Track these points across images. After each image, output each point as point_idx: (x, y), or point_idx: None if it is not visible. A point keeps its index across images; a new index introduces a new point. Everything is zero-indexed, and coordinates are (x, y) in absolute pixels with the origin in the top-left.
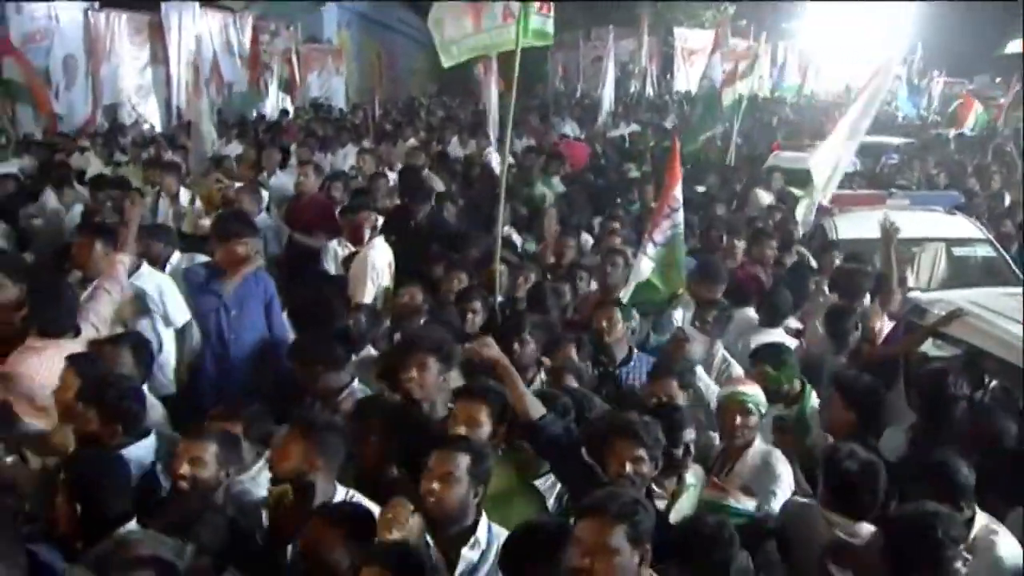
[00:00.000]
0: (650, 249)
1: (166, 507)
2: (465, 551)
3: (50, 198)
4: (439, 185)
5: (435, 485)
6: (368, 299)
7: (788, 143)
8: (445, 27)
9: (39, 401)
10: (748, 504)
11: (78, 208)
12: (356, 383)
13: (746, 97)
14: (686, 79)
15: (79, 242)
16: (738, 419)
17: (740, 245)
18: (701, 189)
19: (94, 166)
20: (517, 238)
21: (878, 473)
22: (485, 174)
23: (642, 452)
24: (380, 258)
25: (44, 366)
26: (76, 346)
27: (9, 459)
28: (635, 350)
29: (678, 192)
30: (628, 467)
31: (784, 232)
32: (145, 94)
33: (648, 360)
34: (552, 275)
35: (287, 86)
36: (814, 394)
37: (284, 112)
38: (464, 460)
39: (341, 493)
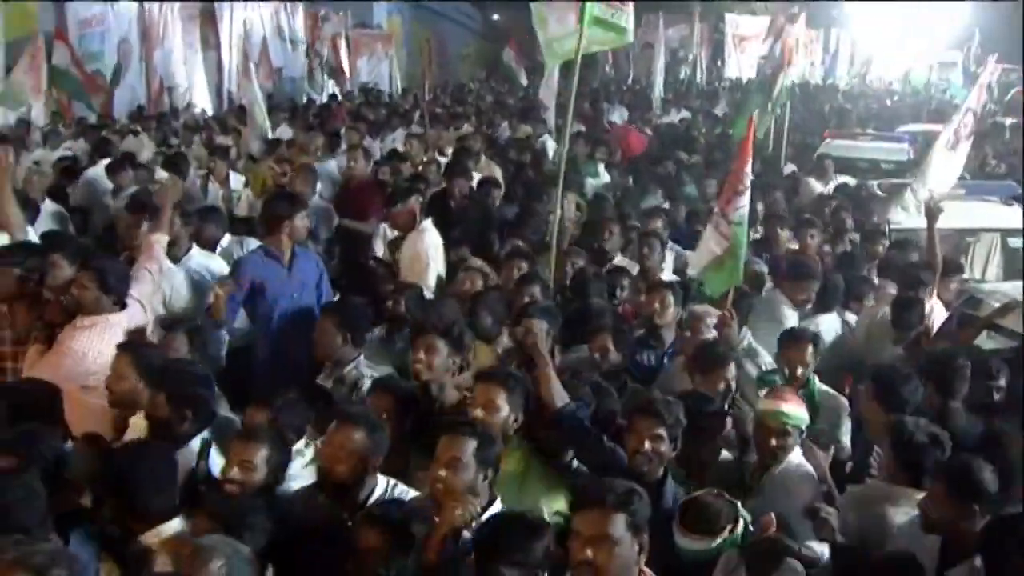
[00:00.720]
0: (723, 226)
1: (213, 500)
2: (467, 534)
3: (100, 178)
4: (496, 171)
5: (442, 472)
6: (432, 282)
7: (840, 131)
8: (549, 25)
9: (92, 380)
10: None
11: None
12: (362, 359)
13: (797, 84)
14: (737, 66)
15: (127, 222)
16: (774, 440)
17: (784, 234)
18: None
19: (147, 150)
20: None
21: (946, 444)
22: (536, 160)
23: (661, 431)
24: (434, 241)
25: (95, 341)
26: (123, 318)
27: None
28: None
29: (749, 170)
30: (647, 445)
31: (836, 221)
32: (197, 79)
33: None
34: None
35: (333, 71)
36: (817, 379)
37: (333, 96)
38: (470, 445)
39: (382, 484)
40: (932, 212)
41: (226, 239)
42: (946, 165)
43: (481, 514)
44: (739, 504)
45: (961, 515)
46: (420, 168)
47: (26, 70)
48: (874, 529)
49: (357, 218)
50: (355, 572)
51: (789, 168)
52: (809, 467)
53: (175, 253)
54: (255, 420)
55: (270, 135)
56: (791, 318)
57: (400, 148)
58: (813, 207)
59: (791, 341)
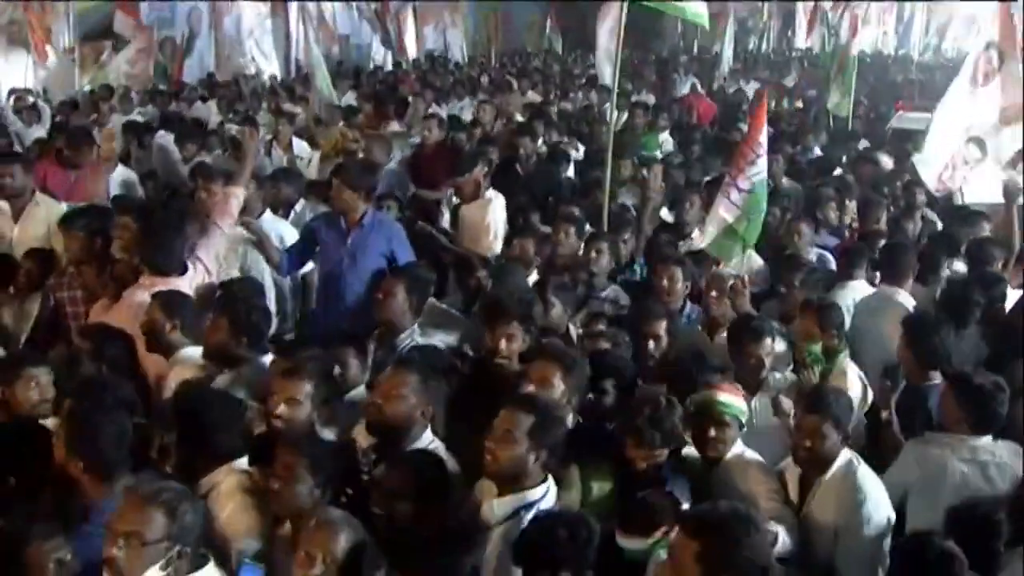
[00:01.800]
0: (733, 194)
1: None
2: (496, 502)
3: (171, 143)
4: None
5: (491, 443)
6: (497, 250)
7: (912, 103)
8: None
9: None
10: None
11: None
12: (417, 328)
13: (869, 54)
14: (808, 36)
15: (203, 188)
16: (712, 431)
17: (851, 206)
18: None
19: (216, 116)
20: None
21: (1007, 390)
22: (595, 129)
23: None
24: (500, 211)
25: (140, 300)
26: (184, 282)
27: None
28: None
29: (763, 138)
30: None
31: (908, 196)
32: (265, 46)
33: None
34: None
35: (390, 42)
36: (847, 356)
37: (398, 64)
38: (527, 420)
39: (428, 437)
40: (1010, 192)
41: (300, 204)
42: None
43: (531, 504)
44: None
45: None
46: (493, 134)
47: (132, 60)
48: (936, 478)
49: (429, 186)
50: (379, 517)
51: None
52: (756, 457)
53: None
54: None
55: (336, 101)
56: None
57: (467, 116)
58: (884, 182)
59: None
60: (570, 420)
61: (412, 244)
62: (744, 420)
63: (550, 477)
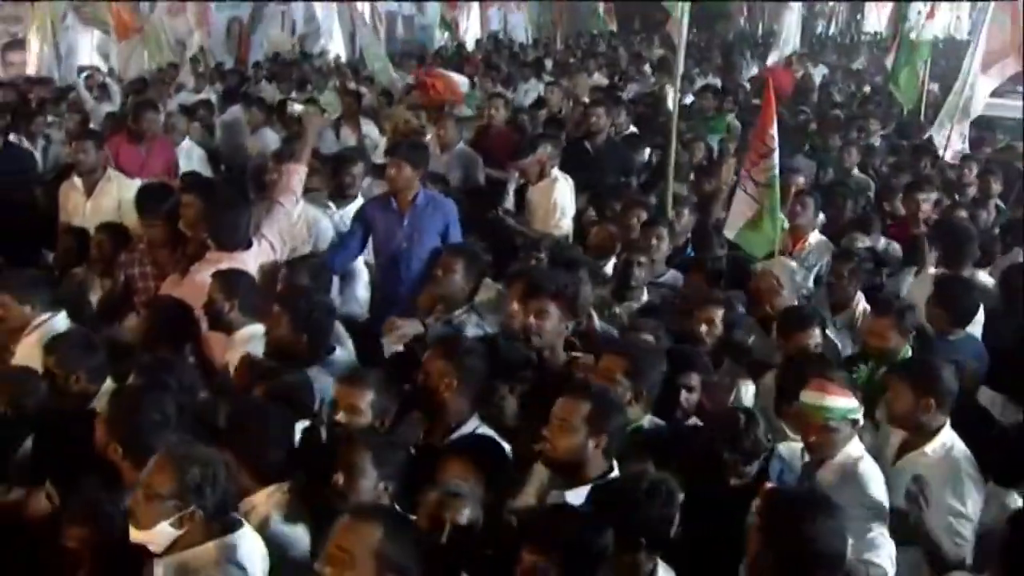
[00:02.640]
0: (749, 187)
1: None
2: (568, 493)
3: (237, 121)
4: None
5: (549, 433)
6: (565, 230)
7: None
8: None
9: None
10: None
11: (269, 134)
12: (473, 310)
13: (941, 39)
14: (877, 19)
15: (274, 169)
16: (813, 437)
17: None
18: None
19: (282, 95)
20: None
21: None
22: (657, 111)
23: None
24: (566, 191)
25: (204, 276)
26: (249, 258)
27: None
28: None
29: (774, 131)
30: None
31: (984, 185)
32: (331, 26)
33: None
34: None
35: (448, 25)
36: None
37: (460, 46)
38: (584, 408)
39: (473, 424)
40: None
41: (366, 182)
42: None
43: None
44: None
45: None
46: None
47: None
48: None
49: (495, 167)
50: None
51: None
52: (872, 466)
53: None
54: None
55: (397, 83)
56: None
57: (531, 99)
58: (956, 170)
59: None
60: (646, 420)
61: (474, 225)
62: (858, 417)
63: (615, 463)
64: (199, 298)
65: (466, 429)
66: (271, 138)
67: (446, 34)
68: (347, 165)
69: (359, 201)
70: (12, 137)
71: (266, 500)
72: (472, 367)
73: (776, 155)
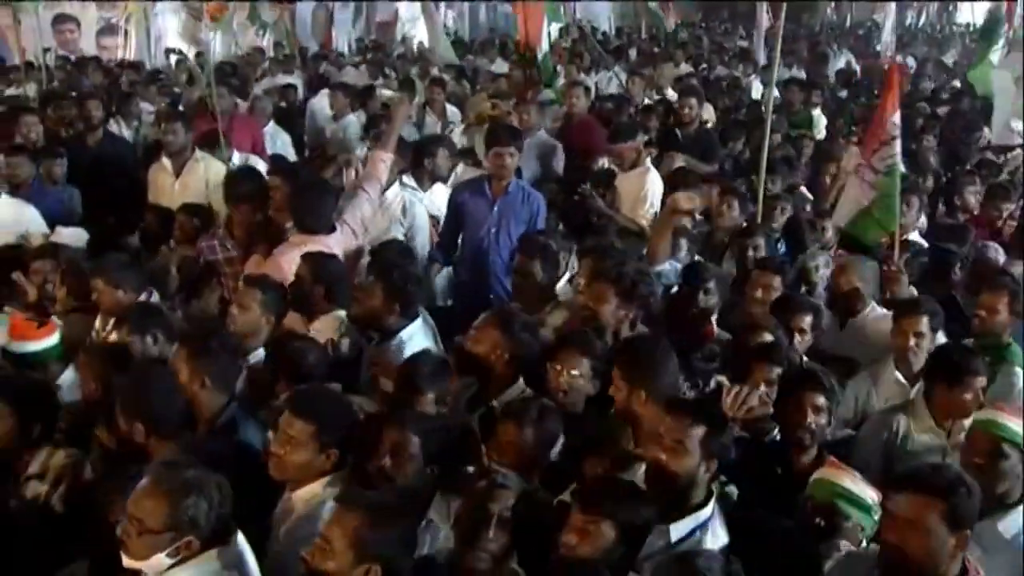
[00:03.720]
0: (868, 175)
1: None
2: (673, 528)
3: (324, 107)
4: (711, 113)
5: (661, 454)
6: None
7: None
8: None
9: None
10: (869, 493)
11: (350, 118)
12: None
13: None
14: (971, 11)
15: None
16: (978, 459)
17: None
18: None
19: (366, 81)
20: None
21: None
22: (740, 103)
23: (822, 401)
24: (659, 182)
25: (297, 260)
26: (332, 242)
27: None
28: None
29: (896, 119)
30: (809, 416)
31: None
32: (415, 11)
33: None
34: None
35: None
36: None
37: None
38: (698, 430)
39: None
40: None
41: (460, 167)
42: None
43: (705, 523)
44: None
45: None
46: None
47: None
48: None
49: (576, 156)
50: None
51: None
52: None
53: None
54: None
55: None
56: None
57: (613, 87)
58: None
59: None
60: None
61: (564, 213)
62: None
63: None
64: (281, 279)
65: (513, 392)
66: (354, 124)
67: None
68: (431, 150)
69: (441, 186)
70: (111, 123)
71: (324, 488)
72: (525, 341)
73: (898, 144)
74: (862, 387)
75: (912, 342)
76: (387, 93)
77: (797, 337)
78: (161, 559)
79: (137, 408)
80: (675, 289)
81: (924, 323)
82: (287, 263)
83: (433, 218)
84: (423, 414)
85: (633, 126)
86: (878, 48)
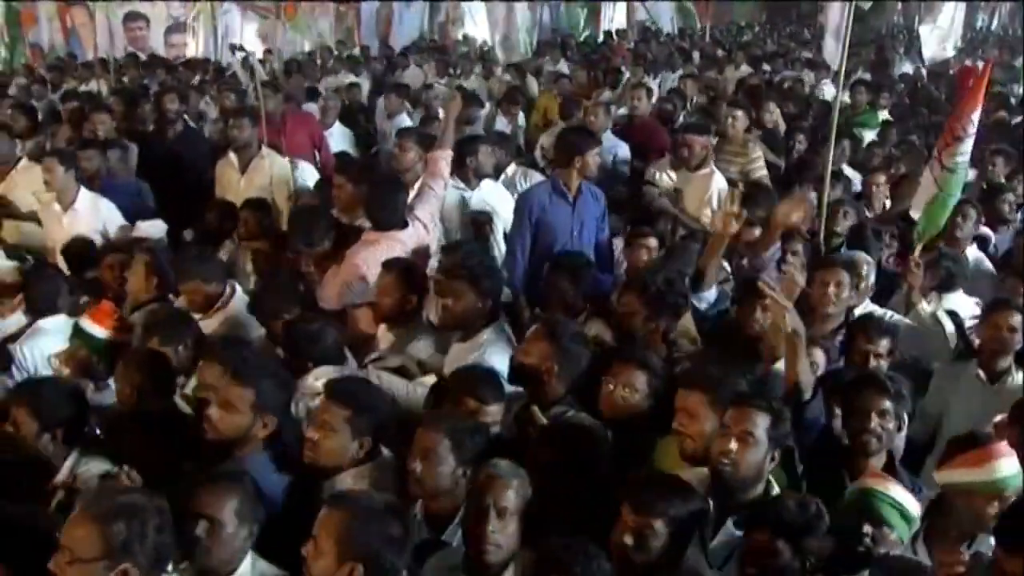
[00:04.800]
0: (936, 169)
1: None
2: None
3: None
4: (778, 117)
5: (729, 445)
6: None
7: None
8: None
9: (367, 293)
10: (914, 504)
11: (402, 118)
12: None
13: None
14: None
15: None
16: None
17: None
18: None
19: (429, 80)
20: (852, 173)
21: None
22: (809, 106)
23: (888, 405)
24: (722, 186)
25: (373, 258)
26: (406, 237)
27: None
28: None
29: (975, 118)
30: (873, 421)
31: None
32: (475, 12)
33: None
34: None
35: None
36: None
37: (609, 33)
38: (765, 419)
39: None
40: None
41: (511, 168)
42: None
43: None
44: None
45: None
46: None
47: None
48: None
49: (638, 157)
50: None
51: None
52: None
53: None
54: None
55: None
56: None
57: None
58: None
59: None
60: None
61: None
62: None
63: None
64: (351, 276)
65: (558, 409)
66: (406, 124)
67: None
68: (472, 149)
69: (487, 184)
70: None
71: (355, 480)
72: (574, 352)
73: (970, 143)
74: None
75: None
76: (441, 90)
77: (872, 362)
78: None
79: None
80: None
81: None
82: (363, 261)
83: (484, 213)
84: (458, 417)
85: (706, 122)
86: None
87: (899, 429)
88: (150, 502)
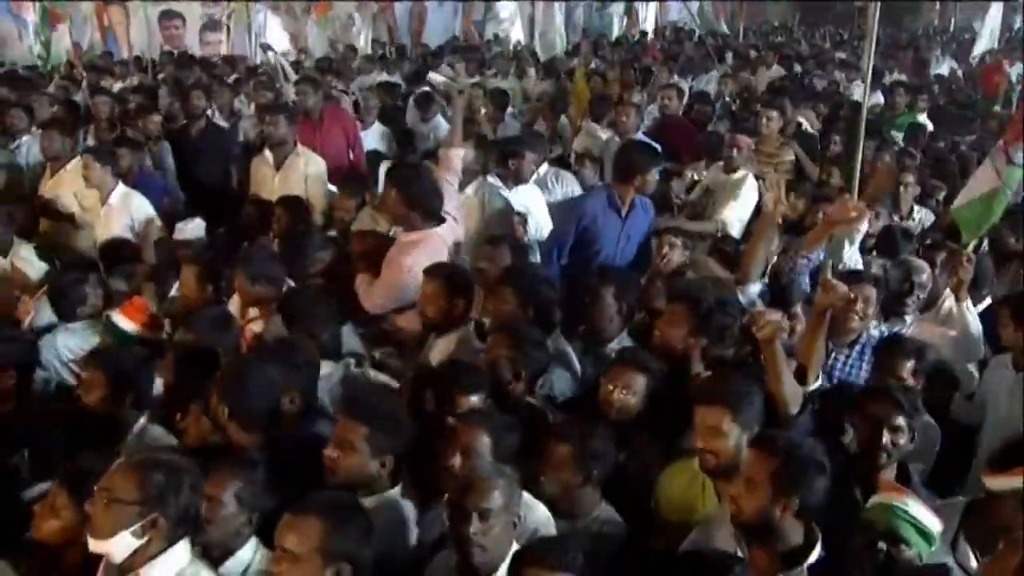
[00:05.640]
0: (1000, 161)
1: None
2: None
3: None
4: (811, 119)
5: (734, 490)
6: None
7: None
8: None
9: (411, 292)
10: (934, 521)
11: (439, 120)
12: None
13: None
14: None
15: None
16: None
17: None
18: None
19: (461, 79)
20: None
21: None
22: (839, 108)
23: (901, 420)
24: (756, 196)
25: (422, 256)
26: (444, 232)
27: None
28: None
29: None
30: (885, 436)
31: None
32: (511, 12)
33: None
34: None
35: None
36: None
37: (644, 33)
38: (772, 464)
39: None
40: None
41: (544, 168)
42: None
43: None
44: None
45: None
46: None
47: None
48: None
49: (669, 158)
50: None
51: None
52: None
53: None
54: None
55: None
56: None
57: (711, 89)
58: None
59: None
60: None
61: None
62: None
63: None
64: (397, 278)
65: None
66: (443, 126)
67: (624, 21)
68: (519, 151)
69: (528, 186)
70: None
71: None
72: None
73: None
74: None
75: None
76: (438, 79)
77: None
78: (127, 538)
79: (229, 392)
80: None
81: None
82: (413, 262)
83: (519, 214)
84: (497, 415)
85: (753, 125)
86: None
87: (911, 441)
88: (189, 465)
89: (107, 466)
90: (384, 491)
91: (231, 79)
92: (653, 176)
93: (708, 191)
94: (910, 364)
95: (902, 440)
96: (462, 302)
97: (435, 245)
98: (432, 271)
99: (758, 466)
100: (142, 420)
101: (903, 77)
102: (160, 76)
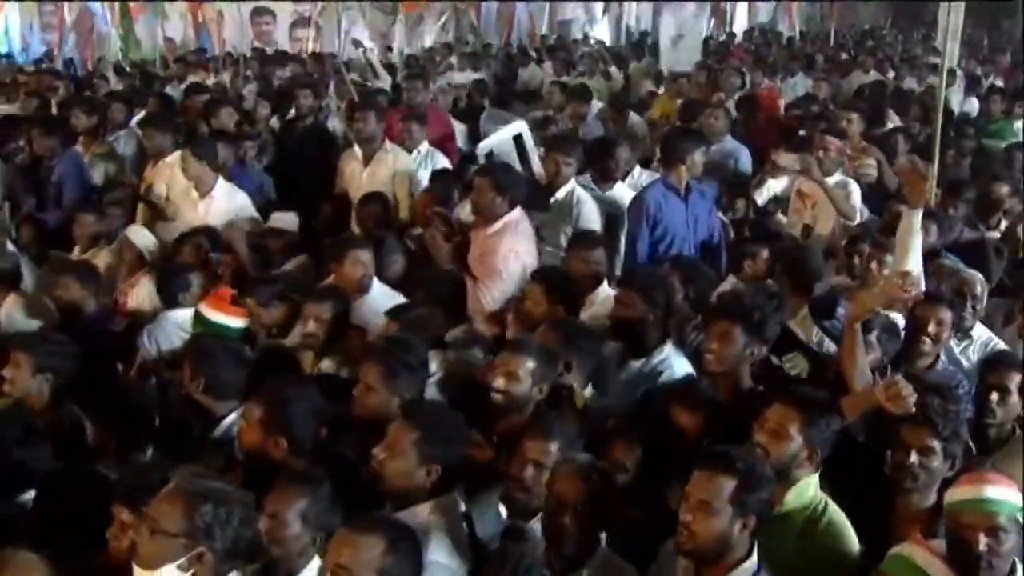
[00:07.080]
0: None
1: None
2: None
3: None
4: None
5: (687, 515)
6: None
7: None
8: None
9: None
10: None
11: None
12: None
13: None
14: None
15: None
16: (982, 539)
17: None
18: None
19: (547, 78)
20: None
21: None
22: (927, 113)
23: (934, 443)
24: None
25: (519, 242)
26: (519, 216)
27: None
28: None
29: None
30: (913, 456)
31: None
32: (595, 12)
33: None
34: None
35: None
36: None
37: (731, 35)
38: (729, 485)
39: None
40: None
41: (637, 170)
42: None
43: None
44: None
45: None
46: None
47: None
48: None
49: (755, 161)
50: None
51: None
52: None
53: None
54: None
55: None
56: None
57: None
58: None
59: None
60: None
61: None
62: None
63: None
64: (508, 262)
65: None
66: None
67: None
68: (611, 149)
69: (621, 185)
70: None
71: (428, 514)
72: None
73: None
74: None
75: None
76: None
77: (995, 395)
78: (172, 571)
79: (277, 420)
80: None
81: None
82: (511, 247)
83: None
84: (564, 424)
85: (843, 128)
86: None
87: (951, 469)
88: (240, 495)
89: (164, 477)
90: (422, 501)
91: (319, 75)
92: (699, 156)
93: (778, 199)
94: (1019, 377)
95: (934, 464)
96: (562, 309)
97: (521, 226)
98: (536, 275)
99: (713, 488)
100: (233, 415)
101: (999, 82)
102: (247, 73)
